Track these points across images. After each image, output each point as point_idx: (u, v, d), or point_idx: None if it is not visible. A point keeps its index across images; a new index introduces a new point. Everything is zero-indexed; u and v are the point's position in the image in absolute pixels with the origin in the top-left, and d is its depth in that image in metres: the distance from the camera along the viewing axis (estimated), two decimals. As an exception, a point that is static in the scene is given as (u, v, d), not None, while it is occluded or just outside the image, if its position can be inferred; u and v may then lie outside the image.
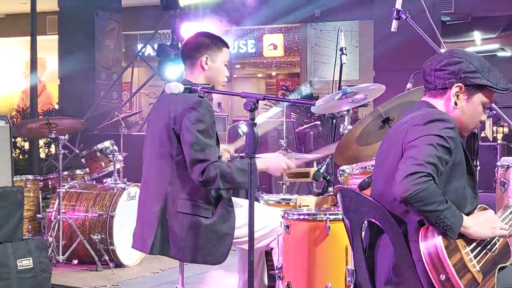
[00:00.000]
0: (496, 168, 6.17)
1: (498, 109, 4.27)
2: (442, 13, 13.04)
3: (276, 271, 3.59)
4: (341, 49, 4.63)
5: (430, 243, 2.42)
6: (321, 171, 4.05)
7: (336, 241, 3.42)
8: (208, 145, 3.40)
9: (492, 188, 6.20)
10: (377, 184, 2.74)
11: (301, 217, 3.52)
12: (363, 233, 2.76)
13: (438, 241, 2.40)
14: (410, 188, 2.37)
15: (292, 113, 12.25)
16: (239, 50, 16.75)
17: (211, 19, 9.05)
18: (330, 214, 3.46)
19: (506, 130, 13.27)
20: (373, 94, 4.33)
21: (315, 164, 4.57)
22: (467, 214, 2.52)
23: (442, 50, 3.53)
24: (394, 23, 3.94)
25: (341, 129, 4.43)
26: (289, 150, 4.30)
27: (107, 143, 6.40)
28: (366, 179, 3.69)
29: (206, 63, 3.62)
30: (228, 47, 3.74)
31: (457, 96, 2.66)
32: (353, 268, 2.93)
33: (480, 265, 2.47)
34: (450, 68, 2.65)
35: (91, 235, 5.80)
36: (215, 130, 3.52)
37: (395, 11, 3.90)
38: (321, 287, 3.41)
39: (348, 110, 4.34)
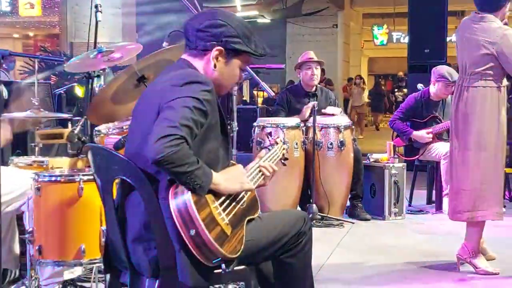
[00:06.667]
0: (253, 129, 6.47)
1: (255, 75, 4.41)
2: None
3: (27, 235, 3.43)
4: (96, 6, 4.49)
5: (180, 200, 2.42)
6: (76, 131, 3.93)
7: (90, 202, 3.35)
8: None
9: (250, 148, 6.49)
10: (133, 143, 2.69)
11: (53, 178, 3.39)
12: (114, 192, 2.71)
13: (187, 197, 2.41)
14: (162, 150, 2.35)
15: (52, 76, 11.83)
16: (-8, 8, 15.74)
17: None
18: (83, 175, 3.36)
19: (266, 94, 13.92)
20: (130, 53, 4.27)
21: (69, 124, 4.42)
22: None
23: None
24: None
25: (96, 89, 4.33)
26: (41, 110, 4.08)
27: None
28: (122, 139, 3.63)
29: None
30: None
31: (217, 58, 2.67)
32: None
33: (229, 218, 2.53)
34: (212, 30, 2.64)
35: None
36: None
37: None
38: (74, 248, 3.33)
39: (104, 69, 4.25)
